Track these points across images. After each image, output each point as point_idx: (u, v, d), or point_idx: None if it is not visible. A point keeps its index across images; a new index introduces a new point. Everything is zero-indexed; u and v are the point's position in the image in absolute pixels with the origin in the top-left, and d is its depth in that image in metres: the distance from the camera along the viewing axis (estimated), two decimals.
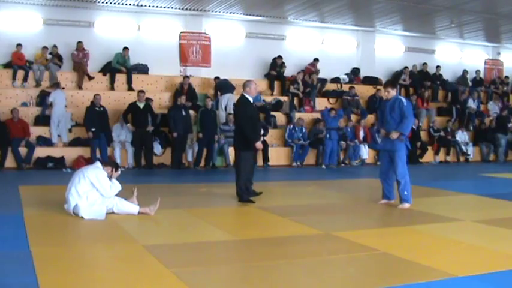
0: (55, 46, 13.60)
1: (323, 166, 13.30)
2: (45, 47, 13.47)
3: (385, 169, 7.32)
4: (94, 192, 6.09)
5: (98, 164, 6.41)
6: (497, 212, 7.22)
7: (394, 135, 7.06)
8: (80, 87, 13.55)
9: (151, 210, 6.33)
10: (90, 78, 13.73)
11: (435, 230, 6.01)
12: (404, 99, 7.23)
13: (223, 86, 14.10)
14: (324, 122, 13.77)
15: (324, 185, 10.02)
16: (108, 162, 7.16)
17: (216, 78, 14.42)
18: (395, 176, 7.18)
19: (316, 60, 16.24)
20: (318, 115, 14.79)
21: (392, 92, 7.23)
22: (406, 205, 7.10)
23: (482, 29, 17.34)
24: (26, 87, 13.12)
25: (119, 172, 6.46)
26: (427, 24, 16.68)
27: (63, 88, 12.97)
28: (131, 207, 6.29)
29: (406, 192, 7.10)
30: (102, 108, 12.18)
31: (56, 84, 12.62)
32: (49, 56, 13.53)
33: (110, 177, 6.27)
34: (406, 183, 7.09)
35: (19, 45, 13.24)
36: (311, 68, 16.10)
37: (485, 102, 18.33)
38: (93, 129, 11.81)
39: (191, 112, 13.39)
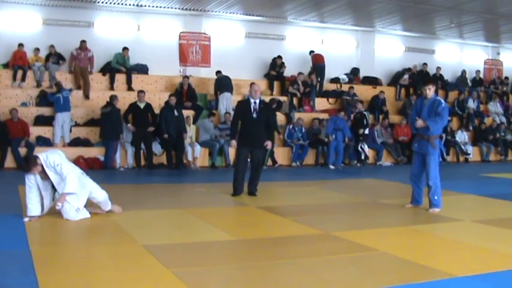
0: (52, 46, 13.59)
1: (331, 167, 13.23)
2: (37, 49, 13.46)
3: (417, 172, 7.12)
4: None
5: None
6: (497, 212, 7.22)
7: (419, 122, 6.87)
8: (79, 87, 13.52)
9: (117, 208, 6.33)
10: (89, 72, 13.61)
11: (435, 230, 6.02)
12: (443, 101, 7.02)
13: (223, 83, 14.07)
14: (325, 123, 13.75)
15: (324, 185, 10.02)
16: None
17: (218, 72, 14.41)
18: (425, 180, 7.00)
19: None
20: (317, 115, 14.81)
21: (433, 90, 7.06)
22: (436, 210, 6.91)
23: (482, 29, 17.34)
24: (23, 87, 13.10)
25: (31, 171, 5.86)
26: (426, 24, 16.68)
27: (70, 89, 12.91)
28: (104, 201, 6.22)
29: (436, 197, 6.92)
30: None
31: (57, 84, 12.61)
32: (41, 57, 13.48)
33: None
34: (437, 188, 6.92)
35: (21, 45, 13.21)
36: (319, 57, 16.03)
37: (485, 102, 18.36)
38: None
39: (191, 112, 13.44)
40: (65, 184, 5.80)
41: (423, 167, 7.03)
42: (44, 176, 5.89)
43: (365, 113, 14.63)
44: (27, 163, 5.87)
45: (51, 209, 6.02)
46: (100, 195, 6.16)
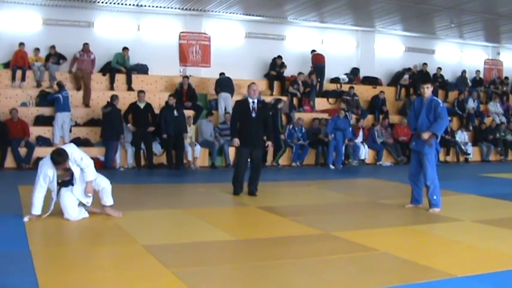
0: (53, 46, 13.59)
1: (331, 166, 13.24)
2: (37, 49, 13.45)
3: (415, 171, 7.09)
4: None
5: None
6: (497, 212, 7.22)
7: (426, 135, 6.81)
8: (79, 88, 13.50)
9: (117, 213, 6.28)
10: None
11: (435, 230, 6.02)
12: (440, 101, 6.99)
13: (223, 83, 14.07)
14: (325, 123, 13.73)
15: (324, 185, 10.02)
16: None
17: (221, 74, 14.39)
18: (424, 179, 6.98)
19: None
20: (317, 115, 14.80)
21: (431, 89, 7.03)
22: (436, 210, 6.88)
23: (482, 29, 17.34)
24: (23, 87, 13.09)
25: (63, 164, 5.91)
26: (426, 24, 16.68)
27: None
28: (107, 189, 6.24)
29: (435, 197, 6.89)
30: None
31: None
32: (41, 57, 13.49)
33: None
34: (436, 188, 6.88)
35: (22, 44, 13.19)
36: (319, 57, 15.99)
37: (485, 102, 18.36)
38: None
39: (191, 112, 13.43)
40: (86, 173, 6.01)
41: (421, 166, 7.01)
42: (65, 172, 5.97)
43: (346, 113, 14.50)
44: (62, 156, 5.82)
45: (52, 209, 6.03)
46: (103, 182, 6.21)
